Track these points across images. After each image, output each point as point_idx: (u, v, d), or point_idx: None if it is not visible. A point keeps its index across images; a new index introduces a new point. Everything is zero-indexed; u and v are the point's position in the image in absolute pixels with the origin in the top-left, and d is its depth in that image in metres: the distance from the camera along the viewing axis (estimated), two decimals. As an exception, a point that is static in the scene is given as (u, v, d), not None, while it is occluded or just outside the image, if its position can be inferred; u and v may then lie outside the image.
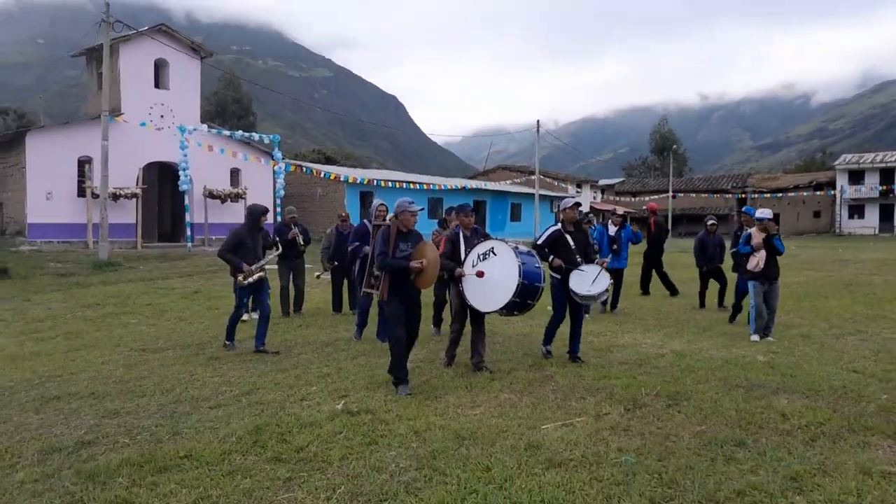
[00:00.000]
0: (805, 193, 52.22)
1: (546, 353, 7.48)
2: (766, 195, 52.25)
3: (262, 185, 28.97)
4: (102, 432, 5.06)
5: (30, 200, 23.23)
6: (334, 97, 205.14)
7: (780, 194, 51.06)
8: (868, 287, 10.65)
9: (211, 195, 26.48)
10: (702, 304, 11.68)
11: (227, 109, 56.48)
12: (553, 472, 4.06)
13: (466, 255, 6.87)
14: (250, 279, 7.77)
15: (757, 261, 8.50)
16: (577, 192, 50.88)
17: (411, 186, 31.05)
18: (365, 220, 8.84)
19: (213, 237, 26.72)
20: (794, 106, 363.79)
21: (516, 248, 6.83)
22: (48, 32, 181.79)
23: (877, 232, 48.09)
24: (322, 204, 30.32)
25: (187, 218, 24.77)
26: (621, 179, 70.11)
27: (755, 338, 8.48)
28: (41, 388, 6.51)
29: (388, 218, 9.44)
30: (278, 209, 26.32)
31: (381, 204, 8.49)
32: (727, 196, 54.14)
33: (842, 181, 51.09)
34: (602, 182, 64.26)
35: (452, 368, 6.98)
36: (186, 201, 24.53)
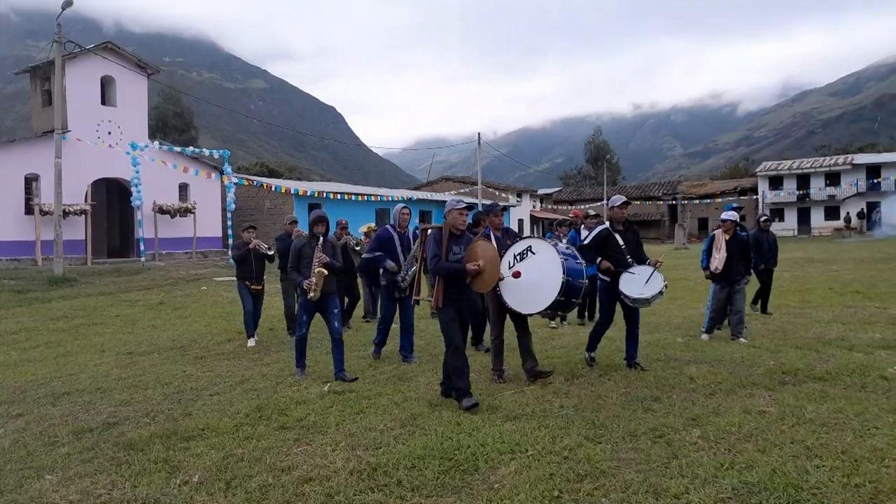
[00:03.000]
0: (731, 199, 55.23)
1: (590, 360, 7.03)
2: (695, 201, 55.13)
3: (211, 199, 29.35)
4: (122, 416, 5.87)
5: (-24, 218, 23.13)
6: (271, 108, 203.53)
7: (708, 200, 53.89)
8: (777, 281, 12.10)
9: (161, 210, 26.75)
10: (763, 309, 10.92)
11: (167, 123, 56.10)
12: (510, 423, 5.13)
13: (501, 257, 6.31)
14: (315, 290, 6.86)
15: (716, 262, 8.48)
16: (518, 201, 52.54)
17: (360, 198, 31.87)
18: (387, 226, 8.08)
19: (163, 251, 27.00)
20: (721, 114, 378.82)
21: (555, 244, 6.49)
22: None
23: (796, 233, 51.32)
24: (271, 216, 30.83)
25: (139, 233, 25.01)
26: (559, 188, 72.40)
27: (705, 337, 8.51)
28: (47, 387, 7.21)
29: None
30: (229, 223, 26.81)
31: (405, 207, 8.09)
32: (658, 203, 56.77)
33: (763, 187, 54.37)
34: (541, 192, 66.32)
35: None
36: (139, 216, 24.77)
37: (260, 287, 9.48)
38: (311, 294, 6.83)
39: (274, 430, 5.28)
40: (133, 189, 23.95)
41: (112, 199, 28.58)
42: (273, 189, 29.67)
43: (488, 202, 10.75)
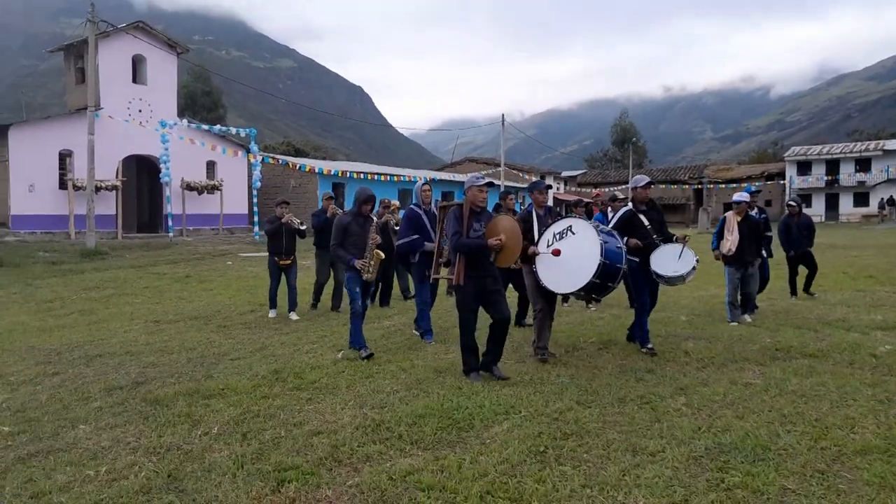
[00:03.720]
0: (757, 183, 54.64)
1: (650, 351, 6.63)
2: (721, 186, 54.62)
3: (238, 177, 29.96)
4: (149, 376, 6.31)
5: (13, 193, 23.95)
6: (299, 88, 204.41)
7: (734, 184, 53.36)
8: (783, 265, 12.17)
9: (188, 187, 27.42)
10: (792, 292, 10.70)
11: (196, 102, 56.91)
12: (508, 388, 5.47)
13: (540, 235, 6.40)
14: (370, 271, 6.88)
15: (729, 245, 8.37)
16: (555, 185, 52.61)
17: (382, 178, 32.25)
18: (412, 206, 8.00)
19: (191, 227, 27.69)
20: (753, 98, 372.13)
21: (597, 225, 6.38)
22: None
23: (823, 219, 50.67)
24: (295, 195, 31.35)
25: (167, 209, 25.69)
26: (584, 171, 72.13)
27: (734, 324, 8.26)
28: (81, 350, 7.69)
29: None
30: (254, 200, 27.36)
31: (426, 184, 8.04)
32: (684, 187, 56.36)
33: (791, 172, 53.68)
34: (565, 174, 66.19)
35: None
36: (167, 193, 25.43)
37: (290, 262, 9.69)
38: (367, 276, 6.83)
39: (289, 390, 5.67)
40: (162, 166, 24.60)
41: (142, 175, 29.33)
42: (298, 168, 30.16)
43: (511, 184, 10.50)
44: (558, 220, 6.50)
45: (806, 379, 5.55)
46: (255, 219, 26.90)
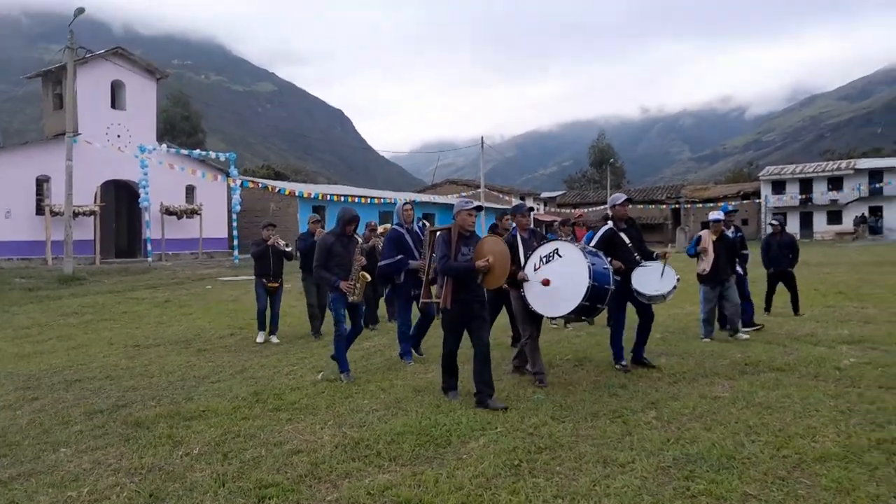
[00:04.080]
0: (734, 203, 55.52)
1: (623, 368, 6.82)
2: (698, 205, 55.42)
3: (217, 201, 29.97)
4: (130, 399, 6.35)
5: (-11, 219, 23.79)
6: (279, 111, 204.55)
7: (711, 204, 54.16)
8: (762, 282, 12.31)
9: (168, 212, 27.37)
10: (767, 308, 10.92)
11: (175, 127, 56.82)
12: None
13: (527, 259, 6.43)
14: (356, 293, 6.84)
15: (704, 265, 8.53)
16: (535, 206, 53.11)
17: (363, 201, 32.38)
18: (394, 226, 8.06)
19: (170, 252, 27.60)
20: (729, 118, 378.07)
21: (584, 248, 6.47)
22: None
23: (798, 237, 51.46)
24: (275, 219, 31.37)
25: (146, 234, 25.61)
26: (563, 192, 72.81)
27: (706, 340, 8.47)
28: (60, 375, 7.69)
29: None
30: (234, 224, 27.36)
31: (407, 203, 8.09)
32: (662, 207, 57.11)
33: (766, 191, 54.61)
34: (544, 195, 66.79)
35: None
36: (146, 217, 25.37)
37: (277, 284, 9.63)
38: (353, 297, 6.78)
39: (269, 411, 5.75)
40: (141, 191, 24.57)
41: (120, 200, 29.23)
42: (278, 191, 30.22)
43: (491, 205, 10.32)
44: (544, 243, 6.54)
45: (772, 391, 5.74)
46: (235, 242, 26.88)
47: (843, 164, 54.63)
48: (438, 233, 6.17)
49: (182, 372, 7.60)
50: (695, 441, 4.52)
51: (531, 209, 6.63)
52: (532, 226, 7.15)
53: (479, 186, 44.48)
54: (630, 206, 7.16)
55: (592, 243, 6.95)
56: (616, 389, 6.00)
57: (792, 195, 53.25)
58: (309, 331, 9.95)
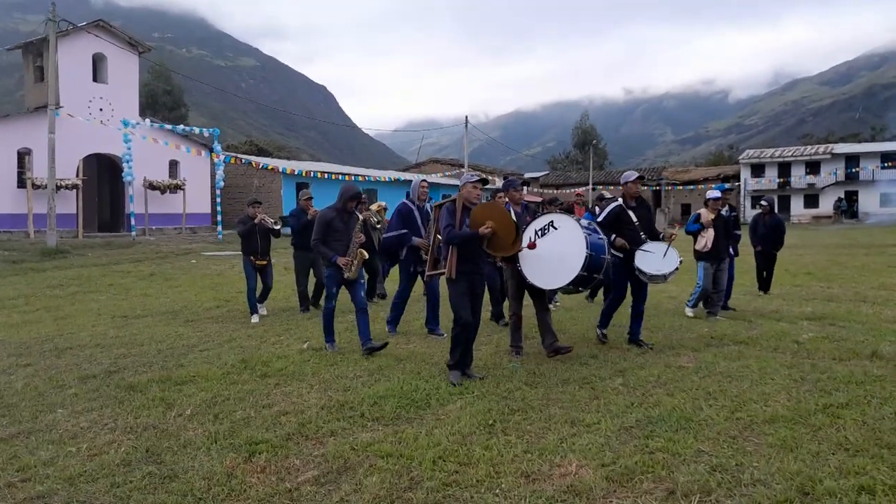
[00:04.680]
0: (714, 185, 56.21)
1: (601, 336, 7.05)
2: (679, 187, 56.05)
3: (201, 176, 29.92)
4: (121, 366, 6.58)
5: (-30, 192, 23.64)
6: (262, 87, 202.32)
7: (692, 186, 54.82)
8: (742, 264, 12.55)
9: (151, 186, 27.32)
10: (761, 288, 11.21)
11: (157, 101, 56.30)
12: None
13: (522, 233, 6.23)
14: (352, 270, 6.82)
15: (705, 241, 8.65)
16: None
17: (347, 178, 32.45)
18: (406, 201, 7.96)
19: (154, 227, 27.59)
20: (712, 101, 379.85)
21: (578, 219, 6.51)
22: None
23: (776, 221, 52.35)
24: (259, 195, 31.41)
25: (130, 208, 25.57)
26: (546, 173, 73.14)
27: (689, 312, 8.76)
28: (51, 343, 7.89)
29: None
30: (218, 200, 27.39)
31: (424, 180, 8.05)
32: (643, 188, 57.67)
33: (745, 174, 55.40)
34: (527, 175, 67.05)
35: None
36: (130, 192, 25.32)
37: (265, 262, 9.60)
38: (348, 273, 6.77)
39: (257, 377, 6.02)
40: (124, 165, 24.49)
41: (103, 174, 29.11)
42: (261, 167, 30.23)
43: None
44: (538, 216, 6.56)
45: (733, 362, 6.11)
46: (219, 218, 26.92)
47: (821, 148, 55.48)
48: (443, 205, 6.14)
49: (171, 341, 7.82)
50: (657, 405, 4.86)
51: (526, 183, 6.55)
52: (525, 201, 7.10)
53: (462, 166, 44.64)
54: (642, 184, 6.98)
55: (600, 219, 6.93)
56: (587, 359, 6.34)
57: (770, 178, 54.11)
58: (297, 305, 10.17)
